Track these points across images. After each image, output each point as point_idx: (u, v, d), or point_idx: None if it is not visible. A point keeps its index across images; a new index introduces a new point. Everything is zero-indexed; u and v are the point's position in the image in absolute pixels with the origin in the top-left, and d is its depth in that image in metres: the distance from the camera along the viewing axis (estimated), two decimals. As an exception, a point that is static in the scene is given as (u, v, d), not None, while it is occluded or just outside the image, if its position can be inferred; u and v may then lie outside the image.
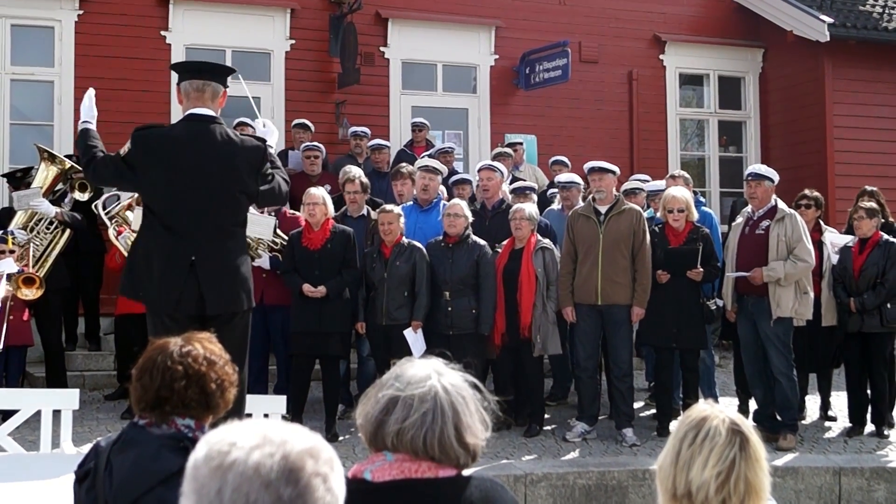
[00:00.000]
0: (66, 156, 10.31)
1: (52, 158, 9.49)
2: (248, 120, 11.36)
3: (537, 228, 9.28)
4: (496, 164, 10.24)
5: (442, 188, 10.19)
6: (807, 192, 9.78)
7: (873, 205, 9.55)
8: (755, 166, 9.67)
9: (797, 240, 8.75)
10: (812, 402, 10.10)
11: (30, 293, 8.88)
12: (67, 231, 9.58)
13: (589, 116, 14.70)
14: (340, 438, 8.77)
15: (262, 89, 13.30)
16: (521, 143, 12.91)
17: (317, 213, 8.89)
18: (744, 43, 15.72)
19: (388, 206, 9.17)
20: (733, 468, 2.49)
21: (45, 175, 9.48)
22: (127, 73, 12.37)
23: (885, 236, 9.42)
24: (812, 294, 8.95)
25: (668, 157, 15.18)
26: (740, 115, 15.94)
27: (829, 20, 14.05)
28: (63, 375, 9.83)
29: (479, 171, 10.06)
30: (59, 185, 9.72)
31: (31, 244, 9.36)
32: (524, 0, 14.52)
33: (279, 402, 6.05)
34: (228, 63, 12.72)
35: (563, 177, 10.55)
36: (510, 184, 10.59)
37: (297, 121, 12.37)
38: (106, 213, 9.09)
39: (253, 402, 6.05)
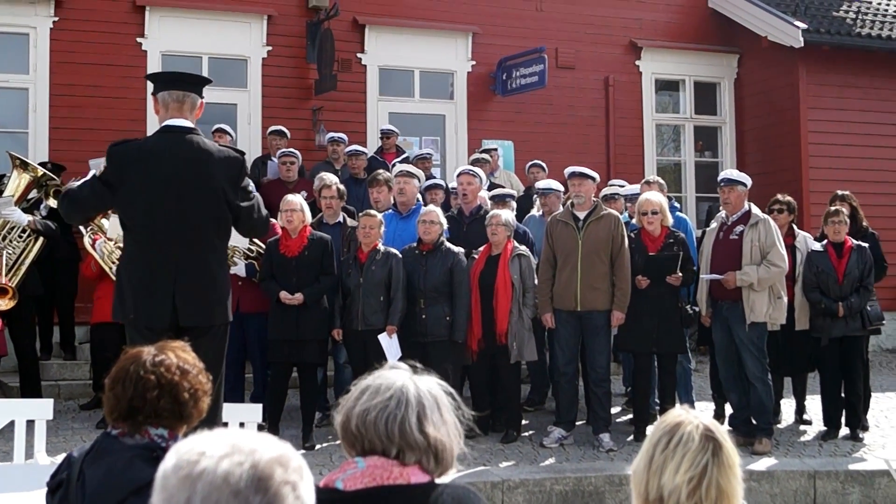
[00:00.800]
0: (40, 163, 10.27)
1: (24, 166, 9.41)
2: (225, 127, 11.38)
3: (514, 235, 9.29)
4: (476, 169, 10.24)
5: (419, 196, 10.18)
6: (779, 196, 9.82)
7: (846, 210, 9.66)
8: (728, 172, 9.72)
9: (770, 245, 8.79)
10: (787, 406, 10.16)
11: (2, 303, 8.84)
12: (41, 239, 9.50)
13: (566, 122, 14.75)
14: (318, 447, 8.75)
15: (239, 96, 13.32)
16: (496, 149, 12.94)
17: (294, 219, 8.87)
18: (719, 49, 15.82)
19: (372, 211, 9.17)
20: (705, 474, 2.49)
21: (17, 183, 9.40)
22: (102, 80, 12.33)
23: (856, 242, 9.48)
24: (786, 299, 8.99)
25: (644, 163, 15.26)
26: (716, 121, 16.03)
27: (803, 26, 14.14)
28: (38, 385, 9.76)
29: (458, 175, 10.03)
30: (34, 193, 9.66)
31: (4, 253, 9.28)
32: (501, 6, 14.57)
33: (255, 411, 6.01)
34: (205, 70, 12.75)
35: (542, 183, 10.57)
36: (488, 190, 10.60)
37: (272, 127, 12.36)
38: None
39: (229, 410, 6.00)
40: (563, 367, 9.15)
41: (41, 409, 5.73)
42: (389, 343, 8.79)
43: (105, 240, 9.11)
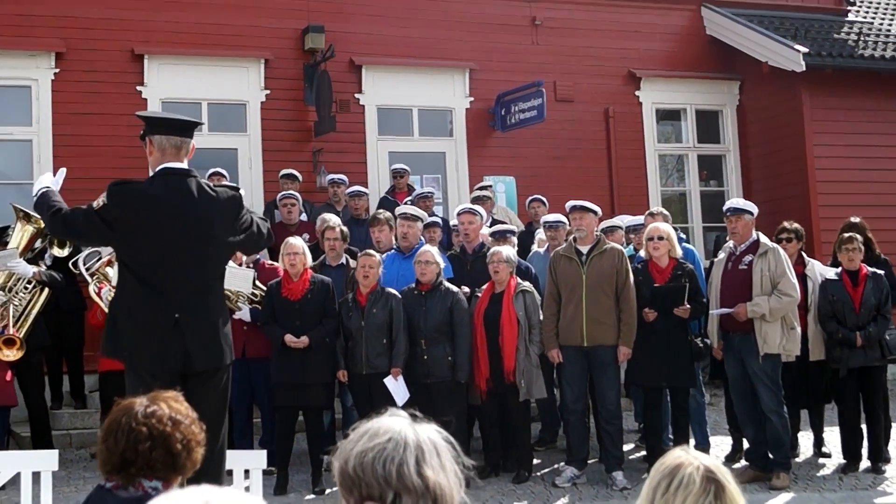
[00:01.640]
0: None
1: (27, 218, 9.40)
2: (221, 170, 11.40)
3: (517, 271, 9.22)
4: (476, 207, 10.21)
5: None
6: (786, 224, 9.68)
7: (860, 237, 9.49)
8: (733, 201, 9.59)
9: (781, 274, 8.68)
10: (805, 439, 9.96)
11: (10, 354, 8.83)
12: (46, 290, 9.49)
13: (567, 155, 14.70)
14: (328, 491, 8.64)
15: (239, 140, 13.34)
16: (490, 186, 12.88)
17: (297, 262, 8.83)
18: (719, 76, 15.80)
19: (371, 252, 9.11)
20: None
21: (21, 235, 9.38)
22: (104, 129, 12.34)
23: (871, 269, 9.35)
24: (799, 329, 8.85)
25: (648, 194, 15.16)
26: (719, 149, 15.97)
27: (805, 49, 14.09)
28: (48, 435, 9.73)
29: (459, 214, 10.01)
30: (38, 243, 9.65)
31: (11, 304, 9.26)
32: (497, 42, 14.56)
33: (260, 457, 5.95)
34: (204, 115, 12.80)
35: (551, 216, 10.49)
36: (490, 226, 10.56)
37: (284, 171, 12.38)
38: (87, 270, 9.01)
39: (234, 457, 5.96)
40: (571, 405, 9.03)
41: (47, 460, 5.67)
42: (396, 386, 8.71)
43: (111, 288, 9.05)
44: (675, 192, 15.98)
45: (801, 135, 14.57)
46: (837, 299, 9.13)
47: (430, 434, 2.53)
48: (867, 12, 16.44)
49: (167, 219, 5.51)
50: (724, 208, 9.26)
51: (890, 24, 15.78)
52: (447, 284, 9.03)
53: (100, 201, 5.61)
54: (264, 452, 6.07)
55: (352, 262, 9.49)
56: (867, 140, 14.58)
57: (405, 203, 11.31)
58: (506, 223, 11.35)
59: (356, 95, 13.92)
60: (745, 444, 9.20)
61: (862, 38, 15.09)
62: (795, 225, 9.71)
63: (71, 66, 12.58)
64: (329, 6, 13.71)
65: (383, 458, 2.43)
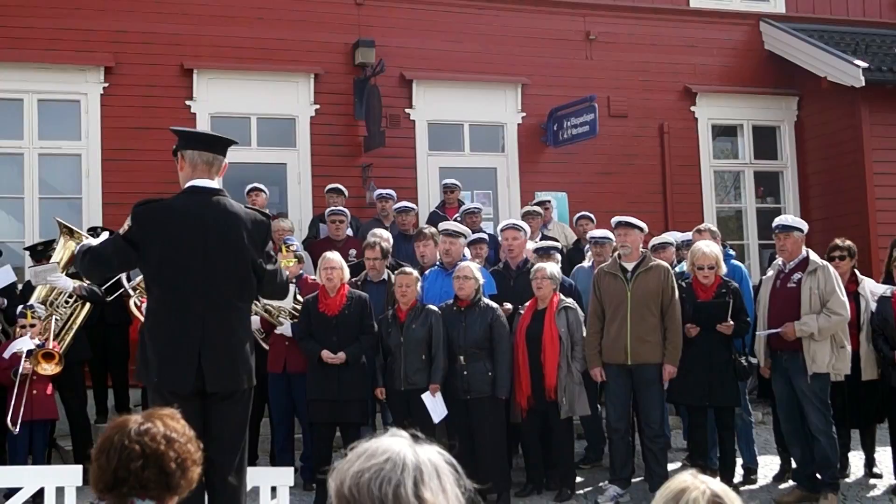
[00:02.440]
0: (90, 229, 10.35)
1: (70, 233, 9.47)
2: (261, 186, 11.41)
3: (561, 288, 9.08)
4: (520, 223, 10.11)
5: (467, 250, 10.03)
6: (838, 242, 9.43)
7: None
8: (783, 218, 9.33)
9: (830, 292, 8.43)
10: (856, 459, 9.71)
11: (49, 368, 8.84)
12: (87, 305, 9.54)
13: (620, 171, 14.53)
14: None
15: (288, 155, 13.35)
16: (549, 201, 12.77)
17: (334, 277, 8.75)
18: (777, 91, 15.52)
19: (408, 269, 9.03)
20: None
21: (63, 251, 9.45)
22: (153, 143, 12.38)
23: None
24: (849, 348, 8.59)
25: (703, 211, 14.94)
26: (777, 165, 15.69)
27: (864, 64, 13.78)
28: (90, 448, 9.69)
29: (503, 230, 9.92)
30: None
31: (53, 318, 9.32)
32: (550, 56, 14.46)
33: (287, 475, 5.91)
34: (254, 130, 12.83)
35: (597, 232, 10.34)
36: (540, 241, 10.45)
37: (329, 186, 12.34)
38: (129, 284, 9.03)
39: (261, 474, 5.94)
40: (614, 423, 8.88)
41: (70, 475, 5.66)
42: (434, 402, 8.62)
43: (153, 303, 9.07)
44: (732, 208, 15.72)
45: (860, 151, 14.24)
46: (883, 317, 8.89)
47: (431, 455, 2.43)
48: (930, 26, 16.06)
49: (190, 236, 5.46)
50: (773, 225, 9.01)
51: (953, 38, 15.39)
52: (486, 300, 8.91)
53: (126, 226, 5.59)
54: (291, 469, 6.04)
55: (394, 278, 9.41)
56: (927, 156, 14.21)
57: (455, 219, 11.23)
58: (557, 239, 11.20)
59: (406, 110, 13.88)
60: (794, 464, 8.95)
61: (923, 53, 14.73)
62: (848, 242, 9.46)
63: (120, 80, 12.68)
64: (380, 21, 13.70)
65: (380, 479, 2.33)
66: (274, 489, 5.80)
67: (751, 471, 9.45)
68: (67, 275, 9.41)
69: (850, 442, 9.49)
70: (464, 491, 2.43)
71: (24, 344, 8.84)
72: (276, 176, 12.97)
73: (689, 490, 2.40)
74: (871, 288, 9.27)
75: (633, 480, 9.04)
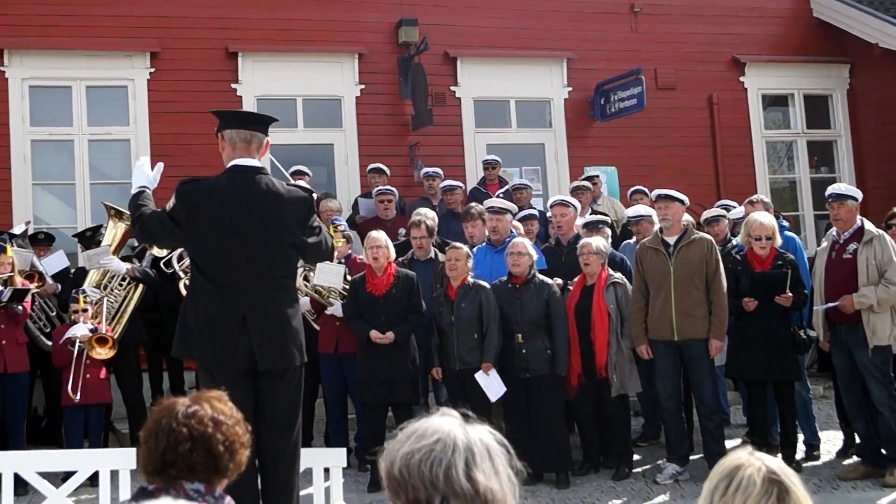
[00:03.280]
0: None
1: (119, 215, 9.52)
2: (304, 168, 11.41)
3: (611, 263, 8.97)
4: (569, 198, 10.01)
5: (518, 224, 9.95)
6: (895, 210, 9.24)
7: None
8: (835, 186, 9.07)
9: (888, 262, 8.24)
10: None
11: (102, 352, 8.90)
12: (140, 287, 9.59)
13: (670, 144, 14.34)
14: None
15: (334, 136, 13.35)
16: (598, 176, 12.64)
17: (380, 256, 8.69)
18: (828, 59, 15.25)
19: (458, 244, 8.96)
20: None
21: (113, 233, 9.53)
22: (199, 126, 12.38)
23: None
24: (912, 318, 8.40)
25: (755, 182, 14.71)
26: (830, 135, 15.43)
27: (918, 30, 13.50)
28: (146, 431, 9.79)
29: (552, 206, 9.85)
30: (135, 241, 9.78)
31: (105, 301, 9.37)
32: (595, 30, 14.31)
33: (340, 455, 5.85)
34: (300, 112, 12.83)
35: (631, 211, 10.24)
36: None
37: (371, 165, 12.33)
38: (179, 266, 9.07)
39: (314, 455, 5.90)
40: (665, 402, 8.75)
41: (124, 459, 5.66)
42: (488, 381, 8.52)
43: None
44: (785, 179, 15.50)
45: (915, 117, 13.96)
46: None
47: (482, 436, 2.38)
48: None
49: (233, 214, 5.45)
50: (826, 194, 8.80)
51: None
52: (540, 276, 8.81)
53: (171, 202, 5.60)
54: (343, 450, 5.97)
55: (440, 256, 9.36)
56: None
57: (497, 195, 11.16)
58: (607, 214, 11.08)
59: (452, 88, 13.81)
60: (857, 440, 8.79)
61: (979, 16, 14.38)
62: (905, 210, 9.25)
63: (166, 65, 12.75)
64: (422, -2, 13.63)
65: (430, 461, 2.29)
66: (327, 470, 5.75)
67: (812, 447, 9.24)
68: (125, 257, 9.49)
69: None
70: (516, 472, 2.39)
71: (78, 330, 8.89)
72: (324, 157, 12.98)
73: (745, 467, 2.36)
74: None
75: (691, 458, 8.91)
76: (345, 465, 5.78)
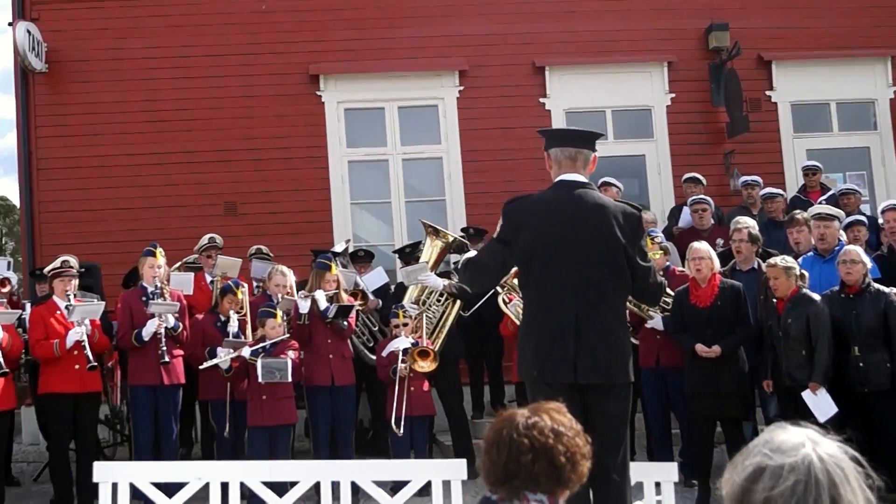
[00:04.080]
0: (462, 230, 10.66)
1: (436, 233, 9.76)
2: (611, 180, 11.28)
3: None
4: (902, 202, 9.36)
5: (842, 232, 9.42)
6: None
7: None
8: None
9: None
10: None
11: (425, 365, 9.12)
12: (458, 302, 9.77)
13: None
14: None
15: (646, 146, 13.18)
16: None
17: (703, 268, 8.47)
18: None
19: (775, 259, 8.53)
20: None
21: (430, 250, 9.77)
22: (508, 142, 12.60)
23: None
24: None
25: None
26: None
27: None
28: (469, 443, 9.91)
29: (884, 212, 9.35)
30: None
31: (425, 317, 9.60)
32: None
33: (671, 470, 5.71)
34: (609, 124, 12.74)
35: None
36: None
37: (687, 175, 12.11)
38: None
39: (644, 469, 5.86)
40: None
41: (455, 469, 5.74)
42: (817, 401, 8.03)
43: (519, 300, 9.16)
44: None
45: None
46: None
47: (835, 454, 2.16)
48: None
49: (560, 228, 5.39)
50: None
51: None
52: (876, 285, 8.27)
53: (498, 226, 5.65)
54: (675, 465, 5.86)
55: (762, 266, 8.97)
56: None
57: (819, 202, 10.61)
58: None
59: (767, 93, 13.34)
60: None
61: None
62: None
63: (474, 82, 12.99)
64: (732, 2, 13.26)
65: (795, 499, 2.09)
66: (658, 485, 5.63)
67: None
68: (437, 274, 9.70)
69: None
70: (872, 486, 2.16)
71: (400, 343, 9.20)
72: (635, 168, 12.84)
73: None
74: None
75: None
76: (676, 479, 5.66)
